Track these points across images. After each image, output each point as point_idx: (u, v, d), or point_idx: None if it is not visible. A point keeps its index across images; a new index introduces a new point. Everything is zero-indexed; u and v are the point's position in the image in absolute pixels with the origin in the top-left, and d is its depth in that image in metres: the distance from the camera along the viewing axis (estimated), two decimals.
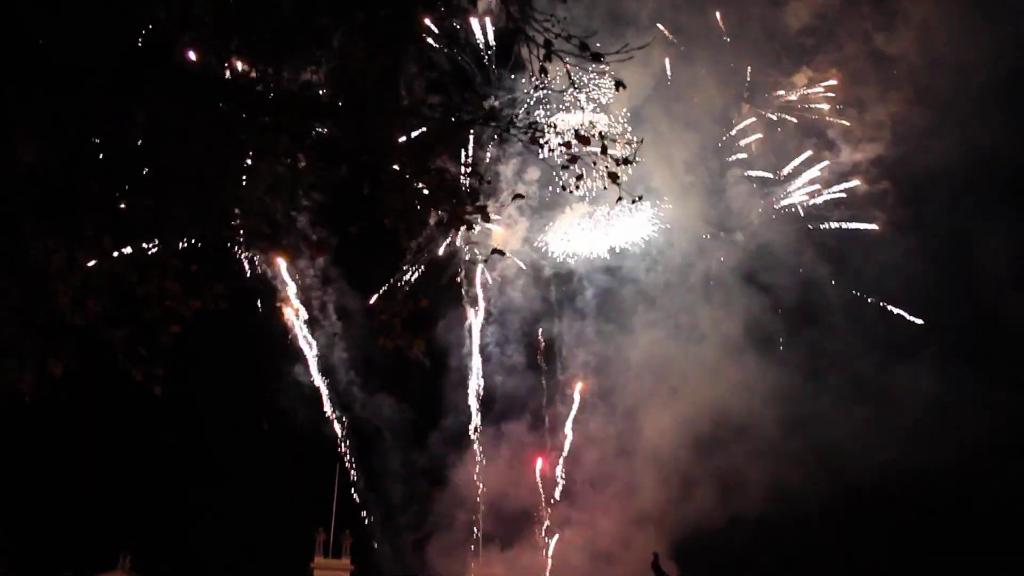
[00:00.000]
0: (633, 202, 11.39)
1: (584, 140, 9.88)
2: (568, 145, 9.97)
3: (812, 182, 53.33)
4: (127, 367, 9.53)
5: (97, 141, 7.52)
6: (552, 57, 8.81)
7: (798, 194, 53.44)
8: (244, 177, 8.80)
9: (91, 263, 7.96)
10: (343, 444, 50.56)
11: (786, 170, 53.35)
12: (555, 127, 9.92)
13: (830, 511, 47.91)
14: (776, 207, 53.55)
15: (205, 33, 8.01)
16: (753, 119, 52.60)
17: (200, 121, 7.96)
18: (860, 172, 52.59)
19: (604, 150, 10.09)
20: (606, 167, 10.15)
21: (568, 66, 9.04)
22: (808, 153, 52.93)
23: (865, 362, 51.03)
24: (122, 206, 8.02)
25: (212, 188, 8.21)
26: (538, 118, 10.25)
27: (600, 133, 10.23)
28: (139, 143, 7.79)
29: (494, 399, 53.17)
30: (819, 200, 53.21)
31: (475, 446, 51.89)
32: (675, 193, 51.59)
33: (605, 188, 10.41)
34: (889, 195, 51.96)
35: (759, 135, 53.01)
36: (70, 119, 7.16)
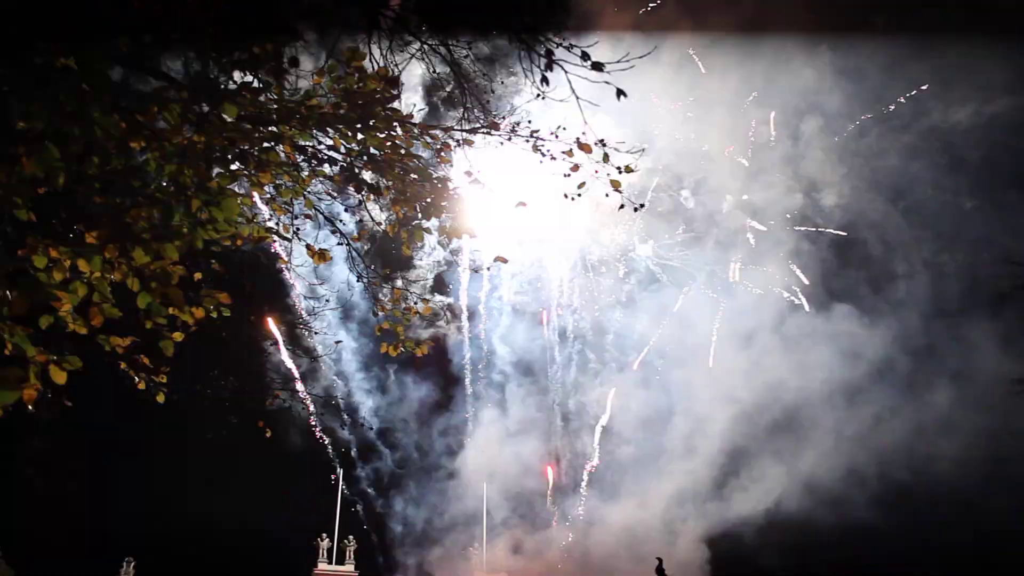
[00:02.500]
0: (635, 210, 11.40)
1: (586, 148, 9.88)
2: (570, 153, 9.97)
3: (895, 140, 48.71)
4: (130, 375, 9.56)
5: (99, 152, 7.55)
6: (553, 66, 8.84)
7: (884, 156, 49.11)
8: (247, 186, 8.84)
9: (94, 272, 7.97)
10: (347, 448, 50.49)
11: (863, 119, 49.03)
12: (556, 136, 9.94)
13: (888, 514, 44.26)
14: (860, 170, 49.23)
15: (206, 43, 8.04)
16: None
17: (203, 131, 7.99)
18: (953, 130, 47.34)
19: (606, 158, 10.09)
20: (608, 175, 10.15)
21: (569, 76, 9.06)
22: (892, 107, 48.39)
23: (947, 341, 46.19)
24: (125, 215, 8.04)
25: (215, 198, 8.23)
26: (542, 124, 10.26)
27: (602, 141, 10.23)
28: (141, 153, 7.81)
29: (512, 384, 51.88)
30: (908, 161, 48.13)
31: (470, 433, 50.87)
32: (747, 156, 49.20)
33: (608, 196, 10.38)
34: (986, 161, 46.28)
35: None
36: (72, 130, 7.18)
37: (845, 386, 47.25)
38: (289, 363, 48.05)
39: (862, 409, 47.06)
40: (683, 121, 47.69)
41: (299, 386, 49.05)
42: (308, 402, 48.98)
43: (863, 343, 47.27)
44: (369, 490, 51.16)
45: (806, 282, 49.97)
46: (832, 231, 50.28)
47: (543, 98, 9.14)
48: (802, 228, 50.77)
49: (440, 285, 49.89)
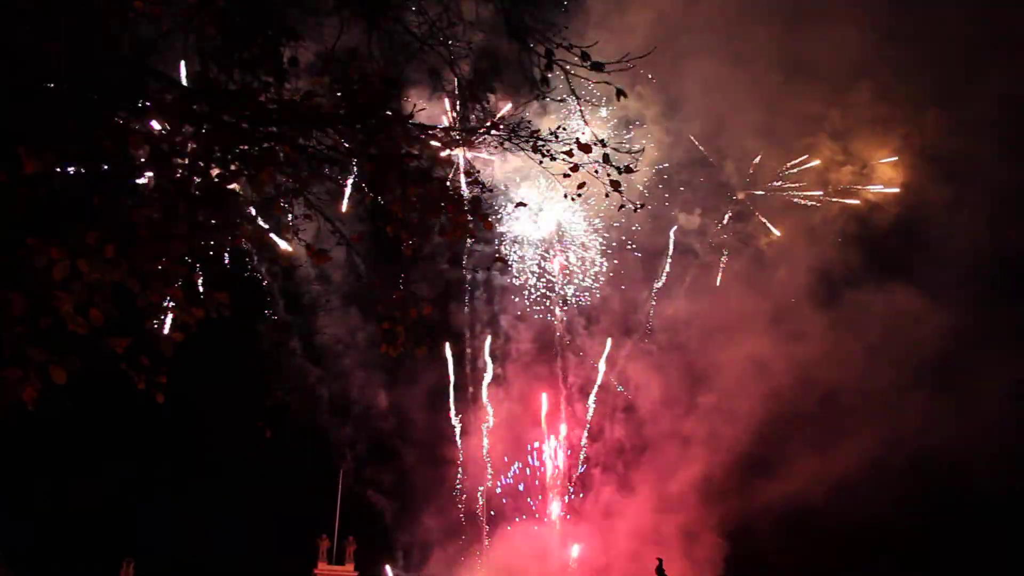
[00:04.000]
0: (635, 210, 11.41)
1: (586, 148, 9.89)
2: (570, 153, 9.98)
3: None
4: (129, 376, 9.54)
5: (100, 152, 7.55)
6: (553, 67, 8.84)
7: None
8: (247, 187, 8.82)
9: (93, 273, 7.96)
10: (347, 448, 50.43)
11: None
12: (556, 136, 9.95)
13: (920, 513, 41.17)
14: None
15: (208, 44, 8.05)
16: None
17: (203, 132, 7.98)
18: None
19: (606, 159, 10.10)
20: (608, 175, 10.16)
21: (570, 76, 9.06)
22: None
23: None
24: (125, 216, 8.03)
25: (215, 198, 8.23)
26: (544, 125, 10.28)
27: (602, 141, 10.23)
28: (142, 154, 7.81)
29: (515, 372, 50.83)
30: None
31: (473, 425, 50.08)
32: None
33: (607, 196, 10.42)
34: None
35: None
36: (72, 132, 7.19)
37: (886, 374, 44.66)
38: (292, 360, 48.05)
39: (903, 399, 43.97)
40: (723, 87, 45.70)
41: (299, 384, 49.00)
42: (312, 395, 48.99)
43: (910, 328, 43.98)
44: (370, 489, 51.04)
45: (851, 261, 47.82)
46: (882, 207, 48.16)
47: (543, 99, 9.15)
48: (850, 203, 48.73)
49: (453, 263, 49.21)
